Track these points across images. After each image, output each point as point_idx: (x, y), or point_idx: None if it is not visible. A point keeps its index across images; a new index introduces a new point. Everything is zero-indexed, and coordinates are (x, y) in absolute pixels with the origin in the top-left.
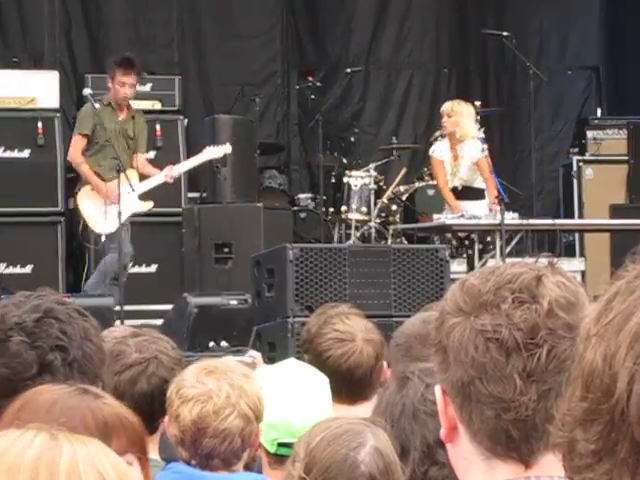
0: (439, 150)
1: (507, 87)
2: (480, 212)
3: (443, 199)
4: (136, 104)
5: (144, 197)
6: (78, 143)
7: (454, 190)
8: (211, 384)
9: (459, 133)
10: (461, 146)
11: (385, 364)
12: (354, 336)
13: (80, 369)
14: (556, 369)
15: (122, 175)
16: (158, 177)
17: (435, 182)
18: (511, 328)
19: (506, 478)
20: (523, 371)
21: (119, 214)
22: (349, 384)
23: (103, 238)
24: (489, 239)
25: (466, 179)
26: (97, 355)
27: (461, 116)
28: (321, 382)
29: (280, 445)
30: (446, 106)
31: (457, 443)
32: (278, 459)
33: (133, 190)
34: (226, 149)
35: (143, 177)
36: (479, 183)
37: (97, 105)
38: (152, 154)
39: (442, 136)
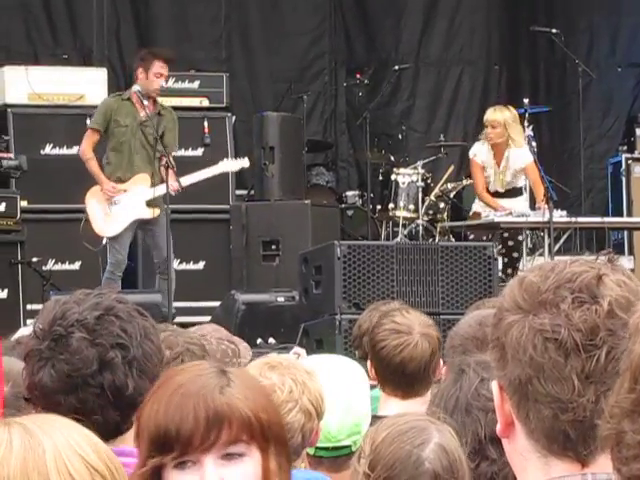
0: (480, 154)
1: (557, 84)
2: (521, 209)
3: None
4: (184, 101)
5: (152, 204)
6: (89, 138)
7: (495, 193)
8: (274, 378)
9: (512, 144)
10: (508, 152)
11: (441, 362)
12: (411, 329)
13: (139, 368)
14: (615, 370)
15: (135, 177)
16: (162, 187)
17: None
18: (570, 329)
19: (562, 475)
20: (582, 372)
21: (121, 219)
22: (401, 377)
23: (104, 241)
24: (521, 238)
25: (509, 183)
26: (156, 355)
27: (508, 126)
28: (360, 383)
29: (318, 448)
30: (492, 116)
31: (513, 439)
32: (317, 460)
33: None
34: (243, 163)
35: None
36: (520, 183)
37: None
38: (200, 151)
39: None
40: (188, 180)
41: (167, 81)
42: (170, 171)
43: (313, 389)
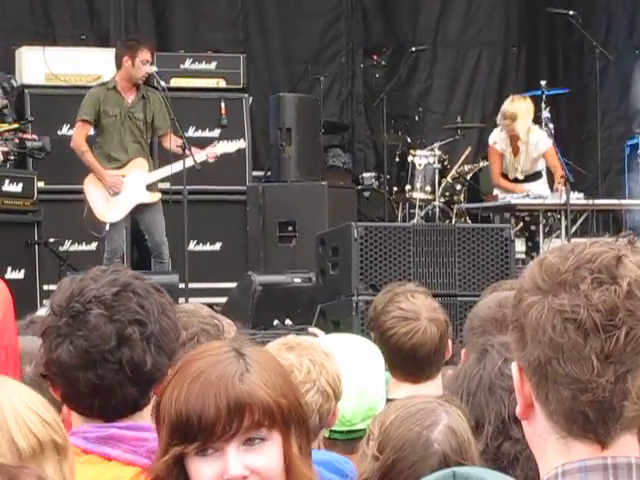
0: (500, 141)
1: (575, 66)
2: (538, 191)
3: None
4: (201, 82)
5: (152, 188)
6: (79, 129)
7: (514, 180)
8: (292, 359)
9: (522, 136)
10: (525, 141)
11: (450, 342)
12: (418, 315)
13: (157, 344)
14: (634, 351)
15: (132, 162)
16: (165, 169)
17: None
18: (589, 309)
19: (582, 458)
20: (601, 352)
21: (123, 204)
22: (412, 362)
23: (107, 227)
24: (542, 219)
25: (528, 169)
26: (173, 331)
27: (518, 119)
28: (376, 367)
29: (332, 431)
30: (512, 108)
31: (533, 421)
32: (331, 442)
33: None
34: (239, 145)
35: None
36: (539, 167)
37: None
38: (217, 132)
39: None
40: (187, 163)
41: (152, 61)
42: (178, 150)
43: (331, 370)
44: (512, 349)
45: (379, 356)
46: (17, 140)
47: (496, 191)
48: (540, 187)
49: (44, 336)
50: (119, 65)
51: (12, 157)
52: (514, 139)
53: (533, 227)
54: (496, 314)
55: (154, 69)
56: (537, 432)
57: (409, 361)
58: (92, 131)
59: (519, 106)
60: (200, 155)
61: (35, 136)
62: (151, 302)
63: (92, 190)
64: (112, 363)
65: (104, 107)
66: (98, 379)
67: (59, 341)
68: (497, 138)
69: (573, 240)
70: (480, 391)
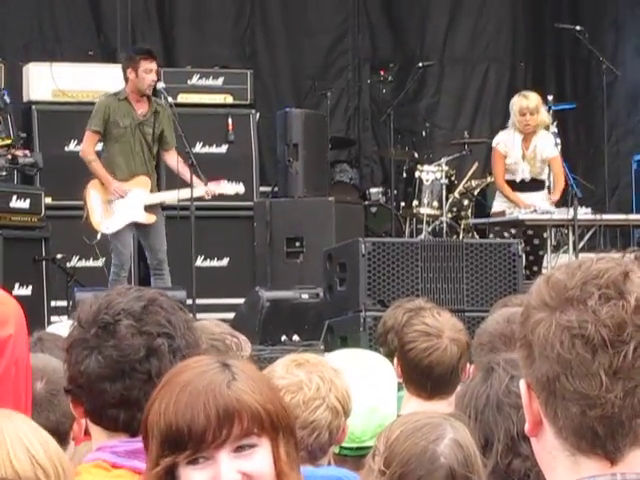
0: (504, 143)
1: (583, 81)
2: (540, 204)
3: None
4: (208, 98)
5: (150, 209)
6: (89, 139)
7: (515, 182)
8: (302, 375)
9: (539, 127)
10: (536, 137)
11: (468, 364)
12: (441, 332)
13: (183, 358)
14: None
15: (136, 179)
16: (171, 194)
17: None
18: (597, 324)
19: (591, 474)
20: (609, 368)
21: (118, 218)
22: (427, 379)
23: (99, 236)
24: (546, 235)
25: (537, 172)
26: (196, 347)
27: (540, 111)
28: (387, 383)
29: (342, 447)
30: (533, 104)
31: (542, 438)
32: (341, 458)
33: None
34: (238, 188)
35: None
36: (544, 175)
37: (163, 100)
38: (224, 148)
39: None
40: (198, 192)
41: (157, 75)
42: (187, 171)
43: (340, 386)
44: (520, 366)
45: (391, 372)
46: (10, 156)
47: (502, 206)
48: (540, 199)
49: (70, 349)
50: (125, 79)
51: (3, 173)
52: (529, 136)
53: (536, 241)
54: (504, 330)
55: (161, 85)
56: (546, 449)
57: (424, 377)
58: (100, 144)
59: (536, 98)
60: (199, 189)
61: (27, 152)
62: (177, 317)
63: (93, 195)
64: (141, 374)
65: (114, 117)
66: (126, 390)
67: (87, 353)
68: (501, 139)
69: (581, 255)
70: (488, 409)
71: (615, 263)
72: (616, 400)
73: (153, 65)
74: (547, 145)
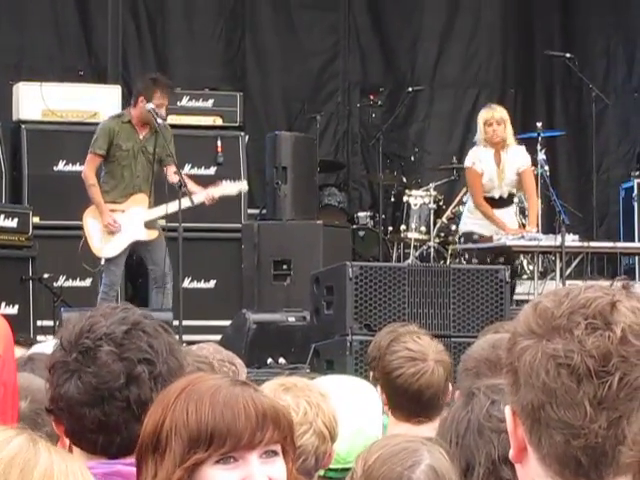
0: (479, 161)
1: (573, 108)
2: (509, 220)
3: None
4: (198, 120)
5: (150, 225)
6: (91, 162)
7: (493, 199)
8: (289, 400)
9: (508, 140)
10: (506, 152)
11: (450, 386)
12: (426, 356)
13: (164, 384)
14: (628, 397)
15: (133, 198)
16: (170, 206)
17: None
18: (583, 354)
19: None
20: (594, 398)
21: (119, 240)
22: (417, 404)
23: (102, 262)
24: (517, 263)
25: (511, 187)
26: (179, 371)
27: (507, 122)
28: (372, 406)
29: (327, 469)
30: (499, 114)
31: (526, 464)
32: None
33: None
34: (242, 186)
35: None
36: (513, 190)
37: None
38: (213, 170)
39: (474, 143)
40: (185, 203)
41: (167, 112)
42: (188, 181)
43: (327, 411)
44: (505, 392)
45: (375, 396)
46: None
47: (469, 227)
48: (511, 216)
49: (52, 371)
50: (135, 102)
51: None
52: (498, 148)
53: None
54: (490, 355)
55: (150, 106)
56: (530, 475)
57: (414, 402)
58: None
59: (502, 110)
60: (199, 196)
61: None
62: (160, 342)
63: (91, 223)
64: (120, 401)
65: (117, 140)
66: (105, 416)
67: (67, 376)
68: (475, 158)
69: (568, 283)
70: (469, 433)
71: (603, 292)
72: (600, 430)
73: (165, 100)
74: (518, 157)
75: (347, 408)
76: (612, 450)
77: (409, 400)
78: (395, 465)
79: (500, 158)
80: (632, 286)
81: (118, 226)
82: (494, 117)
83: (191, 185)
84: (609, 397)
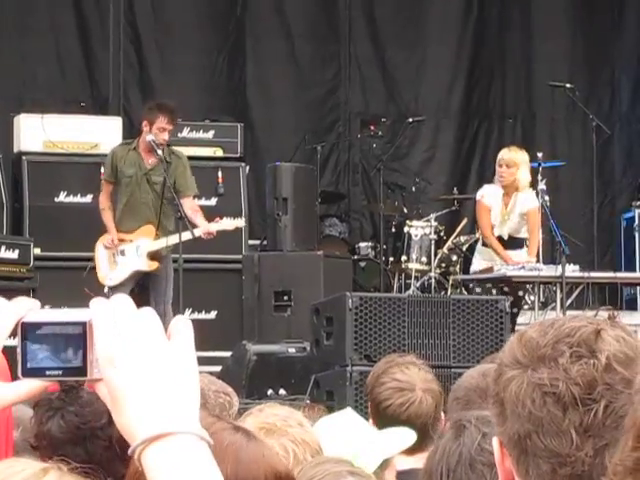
0: (488, 196)
1: (576, 138)
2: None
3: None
4: (198, 151)
5: (153, 257)
6: (103, 188)
7: (502, 239)
8: (276, 445)
9: (519, 185)
10: (516, 195)
11: (443, 415)
12: (413, 386)
13: None
14: (613, 424)
15: (142, 229)
16: (171, 239)
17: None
18: (568, 383)
19: None
20: (580, 426)
21: (122, 269)
22: None
23: (106, 289)
24: (521, 294)
25: (515, 229)
26: None
27: (520, 167)
28: (365, 435)
29: None
30: (508, 156)
31: None
32: None
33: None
34: (239, 223)
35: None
36: (523, 233)
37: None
38: (214, 201)
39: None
40: (186, 236)
41: (170, 135)
42: (197, 215)
43: (312, 442)
44: (493, 423)
45: (368, 430)
46: None
47: (482, 264)
48: (524, 257)
49: (36, 408)
50: (140, 129)
51: None
52: (509, 191)
53: (511, 298)
54: (480, 383)
55: (150, 137)
56: None
57: None
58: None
59: (520, 154)
60: (197, 231)
61: None
62: None
63: (100, 250)
64: (102, 440)
65: (121, 167)
66: (87, 455)
67: (50, 414)
68: (485, 192)
69: (568, 313)
70: (460, 467)
71: (587, 321)
72: (586, 458)
73: (169, 126)
74: (526, 201)
75: (340, 440)
76: (598, 478)
77: None
78: None
79: (508, 200)
80: (617, 316)
81: (119, 248)
82: (503, 158)
83: (200, 219)
84: (595, 425)
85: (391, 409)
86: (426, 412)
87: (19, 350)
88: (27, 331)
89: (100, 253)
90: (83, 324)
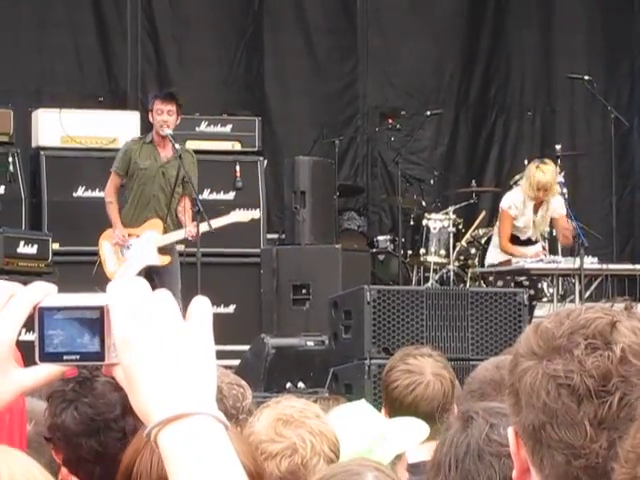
0: (514, 207)
1: (596, 130)
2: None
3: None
4: (216, 145)
5: (163, 251)
6: (111, 180)
7: (519, 239)
8: (293, 436)
9: (551, 194)
10: (548, 201)
11: (455, 407)
12: (423, 370)
13: None
14: (628, 417)
15: (149, 222)
16: (179, 233)
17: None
18: (583, 375)
19: None
20: (594, 418)
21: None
22: (414, 418)
23: None
24: (540, 286)
25: (543, 232)
26: None
27: (553, 186)
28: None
29: None
30: (545, 179)
31: None
32: None
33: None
34: (254, 215)
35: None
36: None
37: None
38: (232, 195)
39: (515, 184)
40: (201, 228)
41: (174, 116)
42: (188, 214)
43: (329, 434)
44: (505, 414)
45: (380, 422)
46: None
47: (503, 256)
48: (538, 249)
49: (50, 400)
50: (151, 123)
51: None
52: (538, 203)
53: (531, 291)
54: (494, 375)
55: (168, 132)
56: None
57: (410, 416)
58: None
59: (553, 174)
60: (204, 225)
61: None
62: None
63: (105, 246)
64: (116, 431)
65: (135, 159)
66: (101, 446)
67: (64, 406)
68: (512, 202)
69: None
70: (468, 458)
71: (603, 313)
72: (600, 450)
73: (164, 106)
74: (556, 208)
75: (354, 433)
76: (613, 471)
77: (405, 413)
78: None
79: (539, 208)
80: (634, 307)
81: (126, 242)
82: (541, 182)
83: (187, 220)
84: (609, 417)
85: (397, 390)
86: (432, 396)
87: (36, 335)
88: (44, 316)
89: (106, 249)
90: (100, 308)
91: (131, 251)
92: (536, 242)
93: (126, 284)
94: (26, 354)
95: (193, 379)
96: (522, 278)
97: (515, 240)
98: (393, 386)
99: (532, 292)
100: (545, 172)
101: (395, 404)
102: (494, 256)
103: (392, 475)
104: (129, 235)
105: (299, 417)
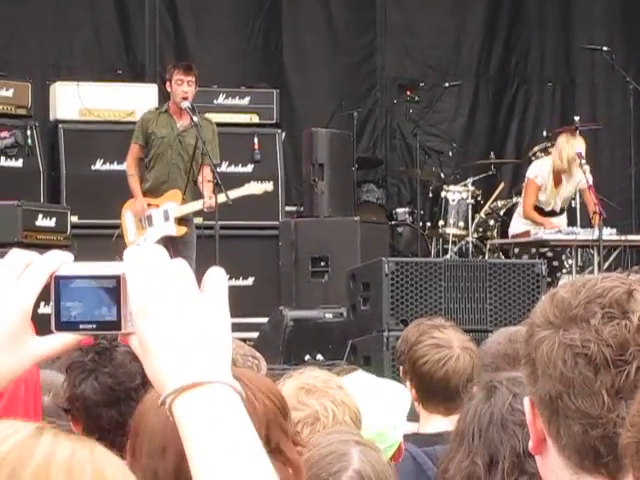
0: (541, 176)
1: (616, 102)
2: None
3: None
4: (235, 117)
5: (180, 221)
6: (131, 152)
7: (544, 210)
8: (316, 405)
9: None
10: (571, 173)
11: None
12: (451, 343)
13: None
14: None
15: (168, 194)
16: (197, 204)
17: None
18: (600, 344)
19: None
20: (611, 387)
21: (151, 235)
22: (444, 392)
23: None
24: (564, 257)
25: (566, 198)
26: None
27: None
28: (396, 408)
29: None
30: (576, 154)
31: (546, 455)
32: None
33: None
34: (267, 187)
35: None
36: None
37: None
38: (250, 168)
39: (541, 151)
40: (218, 200)
41: (192, 86)
42: (207, 185)
43: (351, 405)
44: (525, 383)
45: (403, 399)
46: None
47: (522, 228)
48: (563, 222)
49: (69, 371)
50: (168, 92)
51: None
52: (560, 172)
53: (555, 263)
54: (507, 349)
55: (186, 104)
56: (550, 467)
57: (440, 390)
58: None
59: (580, 146)
60: (221, 196)
61: (6, 132)
62: None
63: (127, 216)
64: (136, 401)
65: (153, 129)
66: (121, 416)
67: (84, 376)
68: (539, 172)
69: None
70: (492, 427)
71: (620, 282)
72: (618, 420)
73: (184, 77)
74: (581, 180)
75: (370, 412)
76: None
77: (436, 388)
78: (321, 471)
79: (560, 179)
80: None
81: (146, 213)
82: (574, 159)
83: (207, 191)
84: (626, 386)
85: (427, 365)
86: (463, 370)
87: (52, 304)
88: (60, 285)
89: (127, 219)
90: (117, 277)
91: (152, 222)
92: (561, 213)
93: (143, 250)
94: (41, 327)
95: (209, 348)
96: (545, 249)
97: (539, 212)
98: (422, 361)
99: (556, 263)
100: (572, 144)
101: (425, 379)
102: (519, 226)
103: (372, 445)
104: (149, 205)
105: (322, 387)
